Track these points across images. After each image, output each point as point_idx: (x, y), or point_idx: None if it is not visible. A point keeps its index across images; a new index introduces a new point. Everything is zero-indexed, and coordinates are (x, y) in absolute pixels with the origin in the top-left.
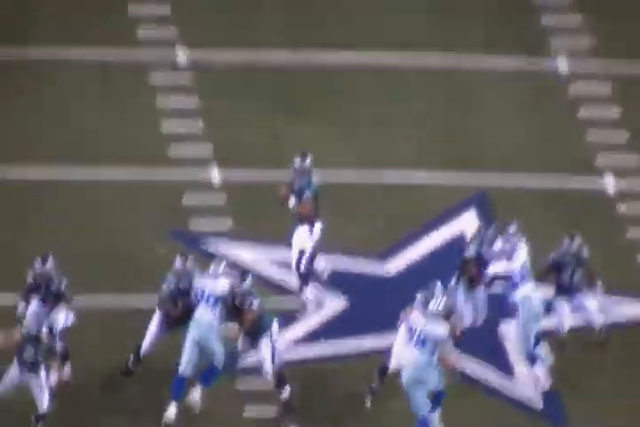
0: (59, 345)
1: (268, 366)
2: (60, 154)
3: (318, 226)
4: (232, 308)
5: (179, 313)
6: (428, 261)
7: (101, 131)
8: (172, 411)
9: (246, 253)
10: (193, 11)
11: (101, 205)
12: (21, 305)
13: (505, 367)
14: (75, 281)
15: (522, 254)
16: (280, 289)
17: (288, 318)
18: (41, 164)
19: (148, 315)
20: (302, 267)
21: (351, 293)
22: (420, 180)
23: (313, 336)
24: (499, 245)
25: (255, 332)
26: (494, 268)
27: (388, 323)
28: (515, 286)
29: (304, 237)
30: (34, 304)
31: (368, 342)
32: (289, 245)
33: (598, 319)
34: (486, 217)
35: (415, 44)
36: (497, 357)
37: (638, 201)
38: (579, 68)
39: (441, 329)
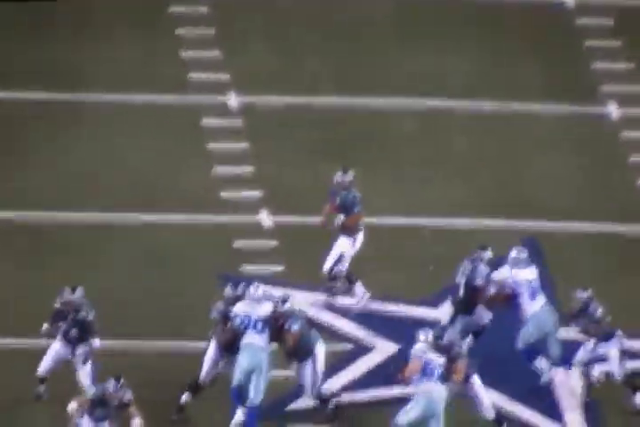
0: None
1: (309, 390)
2: (115, 197)
3: (361, 235)
4: (274, 329)
5: (228, 338)
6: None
7: (154, 174)
8: (240, 415)
9: (297, 297)
10: (243, 55)
11: (155, 247)
12: (45, 327)
13: (554, 414)
14: (126, 325)
15: (529, 272)
16: (331, 334)
17: (340, 362)
18: (97, 207)
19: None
20: (337, 268)
21: (401, 337)
22: (467, 224)
23: (362, 382)
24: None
25: (298, 354)
26: (499, 274)
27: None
28: (525, 297)
29: (346, 244)
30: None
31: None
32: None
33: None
34: (537, 263)
35: (465, 88)
36: (546, 403)
37: None
38: (629, 113)
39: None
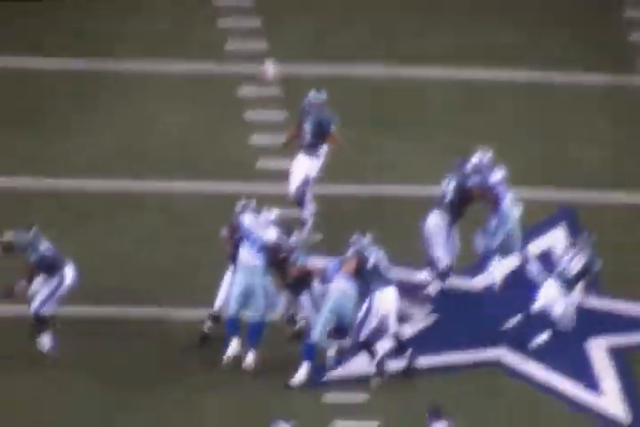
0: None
1: (311, 321)
2: (150, 165)
3: (324, 150)
4: (276, 261)
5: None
6: (516, 276)
7: (191, 142)
8: (233, 346)
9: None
10: (281, 23)
11: (187, 215)
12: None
13: (591, 383)
14: (154, 292)
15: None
16: None
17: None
18: (129, 175)
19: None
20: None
21: (439, 307)
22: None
23: (402, 349)
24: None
25: (297, 288)
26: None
27: (475, 337)
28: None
29: (312, 165)
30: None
31: (456, 359)
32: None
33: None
34: (575, 234)
35: (502, 58)
36: (583, 372)
37: None
38: None
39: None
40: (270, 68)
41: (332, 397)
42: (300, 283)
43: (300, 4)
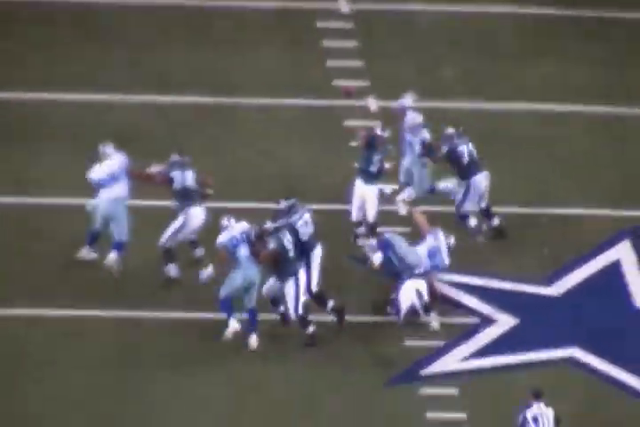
0: None
1: (292, 309)
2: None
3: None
4: (255, 244)
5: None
6: (588, 284)
7: (299, 171)
8: (232, 326)
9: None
10: (383, 62)
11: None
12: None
13: None
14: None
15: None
16: (458, 307)
17: (466, 334)
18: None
19: None
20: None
21: (520, 311)
22: (579, 212)
23: (484, 351)
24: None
25: (280, 273)
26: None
27: (554, 339)
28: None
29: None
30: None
31: (535, 357)
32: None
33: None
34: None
35: (580, 93)
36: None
37: None
38: None
39: None
40: (372, 104)
41: (423, 390)
42: (282, 269)
43: (401, 46)
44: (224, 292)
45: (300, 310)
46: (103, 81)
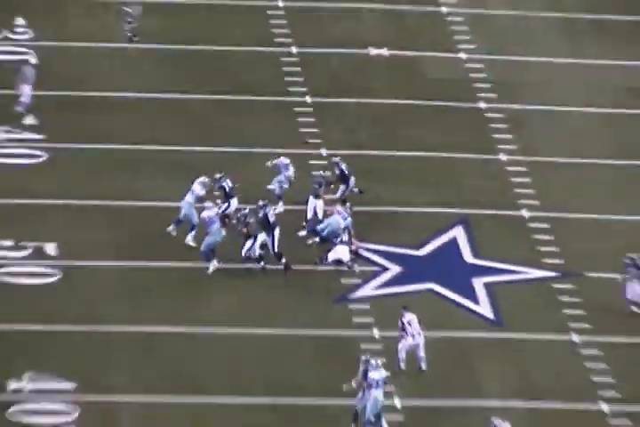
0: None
1: (271, 249)
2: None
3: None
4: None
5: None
6: (440, 249)
7: None
8: (212, 265)
9: None
10: None
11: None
12: None
13: None
14: None
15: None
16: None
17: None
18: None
19: None
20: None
21: (403, 263)
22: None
23: (384, 284)
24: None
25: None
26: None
27: (421, 278)
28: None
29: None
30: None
31: (412, 288)
32: None
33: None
34: None
35: None
36: None
37: None
38: None
39: None
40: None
41: (352, 306)
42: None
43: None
44: (204, 247)
45: (276, 249)
46: None
